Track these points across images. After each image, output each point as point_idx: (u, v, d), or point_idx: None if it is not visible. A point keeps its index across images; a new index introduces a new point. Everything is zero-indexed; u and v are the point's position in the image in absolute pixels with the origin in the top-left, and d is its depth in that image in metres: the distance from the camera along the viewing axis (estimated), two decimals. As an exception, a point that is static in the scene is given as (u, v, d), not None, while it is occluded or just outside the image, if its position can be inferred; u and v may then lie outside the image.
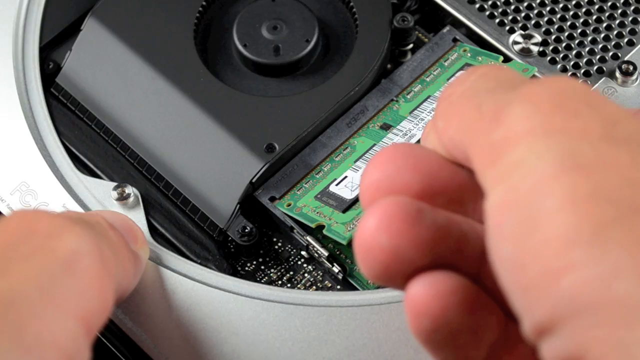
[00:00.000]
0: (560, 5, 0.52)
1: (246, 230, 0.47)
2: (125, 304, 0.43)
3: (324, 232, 0.45)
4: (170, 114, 0.49)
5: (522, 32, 0.51)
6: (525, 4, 0.52)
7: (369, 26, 0.51)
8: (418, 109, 0.49)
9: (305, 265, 0.48)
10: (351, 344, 0.42)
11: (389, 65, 0.52)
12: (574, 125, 0.29)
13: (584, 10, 0.52)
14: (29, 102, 0.49)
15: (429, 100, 0.49)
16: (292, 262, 0.48)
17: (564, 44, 0.51)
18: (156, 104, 0.49)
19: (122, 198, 0.46)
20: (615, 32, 0.51)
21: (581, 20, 0.51)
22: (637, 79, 0.49)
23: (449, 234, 0.33)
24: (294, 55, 0.50)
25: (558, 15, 0.52)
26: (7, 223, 0.36)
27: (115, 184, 0.47)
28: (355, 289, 0.46)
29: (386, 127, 0.49)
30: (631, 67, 0.49)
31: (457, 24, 0.52)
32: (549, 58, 0.50)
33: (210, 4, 0.52)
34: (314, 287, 0.47)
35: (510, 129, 0.30)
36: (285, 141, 0.48)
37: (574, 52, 0.51)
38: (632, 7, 0.52)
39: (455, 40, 0.51)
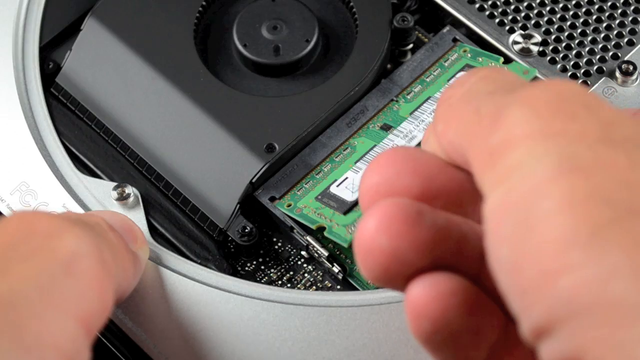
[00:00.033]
0: (560, 5, 0.52)
1: (246, 230, 0.47)
2: (125, 304, 0.43)
3: (325, 234, 0.45)
4: (170, 114, 0.49)
5: (522, 32, 0.51)
6: (525, 4, 0.52)
7: (369, 26, 0.51)
8: (419, 110, 0.49)
9: (305, 265, 0.48)
10: (351, 344, 0.42)
11: (389, 65, 0.52)
12: (572, 128, 0.29)
13: (584, 10, 0.52)
14: (29, 102, 0.49)
15: (429, 101, 0.49)
16: (292, 262, 0.48)
17: (564, 44, 0.51)
18: (156, 104, 0.49)
19: (122, 198, 0.46)
20: (615, 32, 0.51)
21: (581, 20, 0.51)
22: (637, 78, 0.49)
23: (449, 235, 0.33)
24: (294, 55, 0.50)
25: (558, 15, 0.52)
26: (7, 224, 0.36)
27: (115, 184, 0.47)
28: (355, 289, 0.46)
29: (386, 128, 0.49)
30: (631, 67, 0.49)
31: (457, 24, 0.52)
32: (549, 58, 0.50)
33: (210, 4, 0.52)
34: (314, 287, 0.47)
35: (509, 132, 0.30)
36: (285, 141, 0.48)
37: (574, 52, 0.51)
38: (632, 7, 0.52)
39: (455, 40, 0.51)
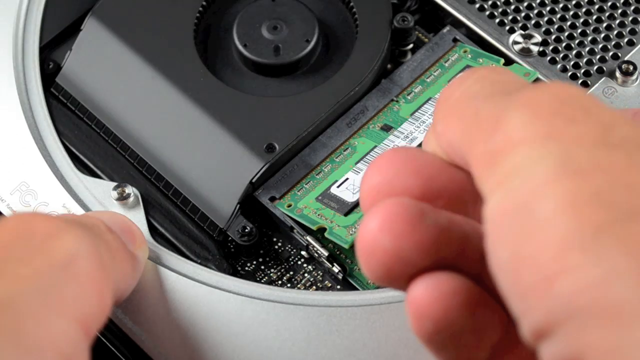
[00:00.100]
0: (560, 5, 0.52)
1: (246, 230, 0.47)
2: (125, 304, 0.43)
3: (326, 235, 0.45)
4: (170, 113, 0.49)
5: (522, 32, 0.51)
6: (525, 4, 0.52)
7: (369, 26, 0.51)
8: (419, 110, 0.49)
9: (305, 265, 0.48)
10: (351, 344, 0.42)
11: (389, 65, 0.52)
12: (571, 131, 0.29)
13: (584, 10, 0.52)
14: (29, 102, 0.49)
15: (430, 102, 0.49)
16: (292, 262, 0.48)
17: (564, 44, 0.51)
18: (156, 103, 0.49)
19: (122, 198, 0.46)
20: (615, 32, 0.51)
21: (581, 20, 0.51)
22: (637, 78, 0.49)
23: (451, 235, 0.33)
24: (294, 55, 0.50)
25: (558, 15, 0.52)
26: (5, 225, 0.36)
27: (115, 183, 0.47)
28: (355, 289, 0.46)
29: (387, 128, 0.49)
30: (631, 67, 0.49)
31: (457, 24, 0.52)
32: (549, 58, 0.50)
33: (210, 4, 0.52)
34: (314, 287, 0.47)
35: (508, 135, 0.30)
36: (285, 141, 0.48)
37: (574, 52, 0.51)
38: (632, 7, 0.52)
39: (455, 40, 0.51)
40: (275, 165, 0.48)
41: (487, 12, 0.52)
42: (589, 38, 0.51)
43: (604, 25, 0.51)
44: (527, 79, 0.49)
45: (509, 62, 0.50)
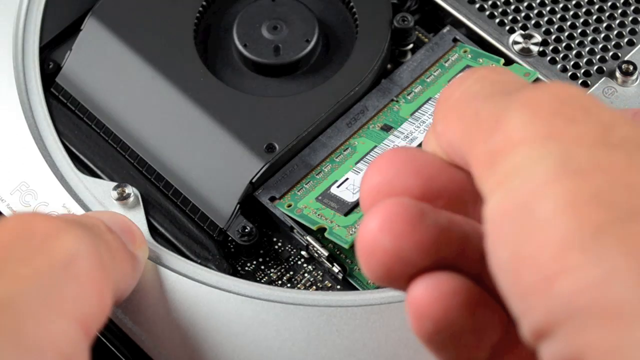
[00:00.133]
0: (560, 5, 0.52)
1: (246, 230, 0.47)
2: (125, 303, 0.43)
3: (326, 235, 0.45)
4: (170, 113, 0.49)
5: (522, 32, 0.51)
6: (525, 4, 0.52)
7: (369, 26, 0.51)
8: (419, 111, 0.49)
9: (305, 265, 0.48)
10: (351, 344, 0.42)
11: (389, 65, 0.52)
12: (571, 131, 0.29)
13: (584, 10, 0.52)
14: (29, 102, 0.49)
15: (430, 102, 0.49)
16: (292, 262, 0.48)
17: (564, 44, 0.51)
18: (156, 103, 0.49)
19: (122, 198, 0.46)
20: (615, 32, 0.51)
21: (581, 20, 0.51)
22: (637, 78, 0.49)
23: (451, 235, 0.33)
24: (294, 55, 0.50)
25: (558, 15, 0.52)
26: (5, 225, 0.36)
27: (115, 183, 0.47)
28: (355, 289, 0.46)
29: (387, 128, 0.49)
30: (631, 67, 0.49)
31: (457, 24, 0.52)
32: (549, 58, 0.50)
33: (210, 4, 0.52)
34: (314, 287, 0.47)
35: (508, 136, 0.30)
36: (285, 141, 0.48)
37: (574, 52, 0.51)
38: (632, 7, 0.52)
39: (455, 40, 0.51)
40: (275, 165, 0.48)
41: (487, 12, 0.52)
42: (589, 38, 0.51)
43: (604, 25, 0.51)
44: (527, 79, 0.49)
45: (509, 62, 0.50)
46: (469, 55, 0.50)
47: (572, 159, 0.29)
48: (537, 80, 0.49)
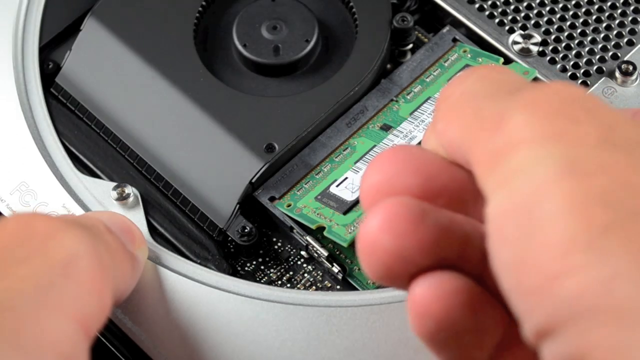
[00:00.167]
0: (560, 5, 0.52)
1: (246, 230, 0.47)
2: (124, 304, 0.43)
3: (325, 233, 0.45)
4: (170, 114, 0.49)
5: (522, 32, 0.51)
6: (525, 4, 0.52)
7: (368, 26, 0.51)
8: (418, 110, 0.49)
9: (305, 265, 0.48)
10: (351, 344, 0.42)
11: (388, 65, 0.52)
12: (573, 132, 0.29)
13: (583, 10, 0.52)
14: (28, 102, 0.49)
15: (429, 101, 0.49)
16: (292, 262, 0.48)
17: (563, 44, 0.51)
18: (156, 104, 0.49)
19: (122, 198, 0.46)
20: (615, 32, 0.51)
21: (581, 20, 0.51)
22: (636, 79, 0.49)
23: (452, 234, 0.33)
24: (293, 55, 0.50)
25: (558, 15, 0.52)
26: (4, 226, 0.36)
27: (115, 184, 0.47)
28: (355, 289, 0.46)
29: (386, 128, 0.49)
30: (631, 67, 0.49)
31: (457, 24, 0.52)
32: (548, 58, 0.50)
33: (210, 4, 0.52)
34: (314, 287, 0.47)
35: (511, 136, 0.30)
36: (285, 141, 0.48)
37: (573, 52, 0.51)
38: (632, 7, 0.52)
39: (455, 40, 0.51)
40: (275, 165, 0.48)
41: (487, 12, 0.52)
42: (589, 38, 0.51)
43: (604, 25, 0.51)
44: (526, 77, 0.49)
45: (508, 61, 0.50)
46: (469, 55, 0.50)
47: (575, 160, 0.29)
48: (535, 79, 0.49)
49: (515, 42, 0.51)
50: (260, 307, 0.43)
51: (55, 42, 0.51)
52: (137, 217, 0.46)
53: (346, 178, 0.47)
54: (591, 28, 0.51)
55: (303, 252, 0.48)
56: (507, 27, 0.51)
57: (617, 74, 0.49)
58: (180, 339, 0.43)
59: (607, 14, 0.52)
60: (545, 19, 0.51)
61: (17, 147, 0.47)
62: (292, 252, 0.48)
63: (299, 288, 0.47)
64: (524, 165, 0.29)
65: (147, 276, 0.44)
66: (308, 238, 0.46)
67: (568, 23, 0.51)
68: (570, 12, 0.52)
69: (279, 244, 0.48)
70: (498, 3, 0.52)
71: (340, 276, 0.46)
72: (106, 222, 0.41)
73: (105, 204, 0.46)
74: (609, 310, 0.27)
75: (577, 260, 0.27)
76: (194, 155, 0.48)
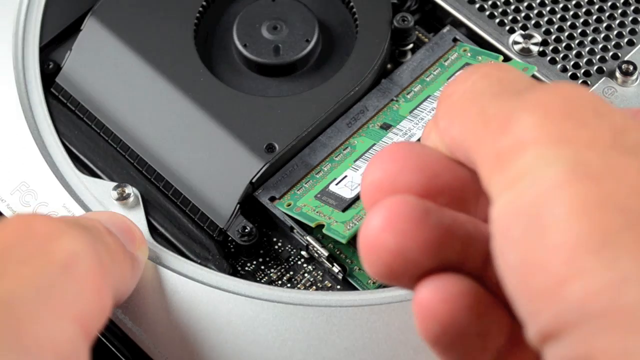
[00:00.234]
0: (560, 5, 0.52)
1: (246, 230, 0.47)
2: (125, 304, 0.43)
3: (324, 231, 0.45)
4: (170, 114, 0.49)
5: (522, 32, 0.51)
6: (525, 4, 0.52)
7: (369, 26, 0.51)
8: (418, 108, 0.49)
9: (305, 265, 0.48)
10: (351, 344, 0.42)
11: (389, 65, 0.52)
12: (582, 135, 0.29)
13: (584, 10, 0.52)
14: (29, 102, 0.49)
15: (428, 99, 0.49)
16: (292, 262, 0.48)
17: (564, 44, 0.51)
18: (156, 104, 0.49)
19: (122, 198, 0.47)
20: (615, 32, 0.51)
21: (581, 20, 0.51)
22: (637, 78, 0.49)
23: (454, 234, 0.33)
24: (294, 55, 0.50)
25: (558, 15, 0.52)
26: (5, 226, 0.36)
27: (115, 184, 0.47)
28: (355, 289, 0.46)
29: (386, 127, 0.49)
30: (631, 67, 0.49)
31: (457, 24, 0.52)
32: (549, 58, 0.50)
33: (210, 4, 0.52)
34: (314, 287, 0.47)
35: (518, 137, 0.30)
36: (285, 141, 0.48)
37: (574, 52, 0.51)
38: (632, 7, 0.52)
39: (455, 40, 0.51)
40: (275, 165, 0.48)
41: (487, 12, 0.52)
42: (589, 38, 0.51)
43: (604, 25, 0.51)
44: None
45: (507, 59, 0.50)
46: (469, 54, 0.50)
47: (584, 163, 0.29)
48: (533, 76, 0.49)
49: (515, 42, 0.51)
50: (260, 307, 0.43)
51: (55, 42, 0.51)
52: (137, 217, 0.46)
53: (345, 176, 0.47)
54: (592, 28, 0.51)
55: (303, 252, 0.48)
56: (507, 27, 0.51)
57: (618, 74, 0.49)
58: (180, 339, 0.43)
59: (607, 14, 0.51)
60: (546, 19, 0.51)
61: (18, 147, 0.47)
62: (292, 252, 0.48)
63: (299, 288, 0.47)
64: (533, 167, 0.29)
65: (147, 276, 0.44)
66: (308, 238, 0.46)
67: (568, 23, 0.51)
68: (571, 12, 0.52)
69: (279, 244, 0.48)
70: (498, 3, 0.52)
71: (340, 276, 0.46)
72: (106, 222, 0.41)
73: (105, 204, 0.46)
74: (616, 315, 0.27)
75: (586, 263, 0.27)
76: (194, 155, 0.48)
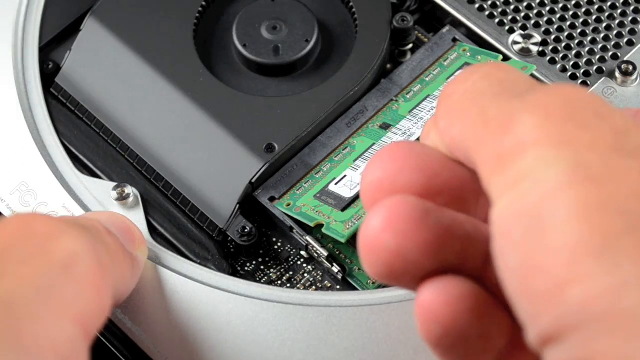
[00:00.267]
0: (560, 5, 0.52)
1: (246, 230, 0.47)
2: (124, 304, 0.43)
3: (323, 230, 0.45)
4: (170, 114, 0.49)
5: (522, 32, 0.51)
6: (525, 4, 0.52)
7: (368, 26, 0.51)
8: (417, 108, 0.49)
9: (305, 265, 0.48)
10: (351, 344, 0.42)
11: (388, 65, 0.52)
12: (584, 137, 0.29)
13: (583, 10, 0.52)
14: (28, 102, 0.49)
15: (428, 99, 0.49)
16: (291, 262, 0.48)
17: (563, 44, 0.51)
18: (156, 104, 0.49)
19: (122, 198, 0.47)
20: (615, 32, 0.51)
21: (581, 20, 0.51)
22: (636, 79, 0.49)
23: (454, 234, 0.32)
24: (293, 55, 0.50)
25: (558, 15, 0.52)
26: (5, 226, 0.36)
27: (114, 184, 0.47)
28: (355, 289, 0.46)
29: (386, 127, 0.49)
30: (631, 67, 0.49)
31: (457, 24, 0.52)
32: (548, 58, 0.50)
33: (210, 4, 0.52)
34: (314, 287, 0.47)
35: (519, 138, 0.30)
36: (285, 141, 0.48)
37: (573, 52, 0.51)
38: (632, 7, 0.52)
39: (455, 40, 0.51)
40: (274, 165, 0.48)
41: (487, 12, 0.52)
42: (589, 38, 0.51)
43: (604, 25, 0.51)
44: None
45: (507, 58, 0.50)
46: (468, 54, 0.50)
47: (586, 165, 0.28)
48: (532, 75, 0.49)
49: (515, 42, 0.51)
50: (260, 307, 0.43)
51: (55, 42, 0.51)
52: (137, 217, 0.46)
53: (345, 176, 0.47)
54: (591, 28, 0.51)
55: (303, 252, 0.48)
56: (507, 27, 0.51)
57: (617, 74, 0.49)
58: (180, 339, 0.43)
59: (607, 14, 0.52)
60: (545, 19, 0.51)
61: (17, 147, 0.47)
62: (292, 252, 0.48)
63: (299, 288, 0.47)
64: (534, 169, 0.29)
65: (147, 276, 0.44)
66: (308, 238, 0.46)
67: (568, 23, 0.51)
68: (570, 12, 0.52)
69: (279, 244, 0.48)
70: (498, 3, 0.52)
71: (340, 276, 0.46)
72: (106, 222, 0.41)
73: (105, 204, 0.46)
74: (617, 319, 0.27)
75: (587, 267, 0.27)
76: (193, 155, 0.48)
